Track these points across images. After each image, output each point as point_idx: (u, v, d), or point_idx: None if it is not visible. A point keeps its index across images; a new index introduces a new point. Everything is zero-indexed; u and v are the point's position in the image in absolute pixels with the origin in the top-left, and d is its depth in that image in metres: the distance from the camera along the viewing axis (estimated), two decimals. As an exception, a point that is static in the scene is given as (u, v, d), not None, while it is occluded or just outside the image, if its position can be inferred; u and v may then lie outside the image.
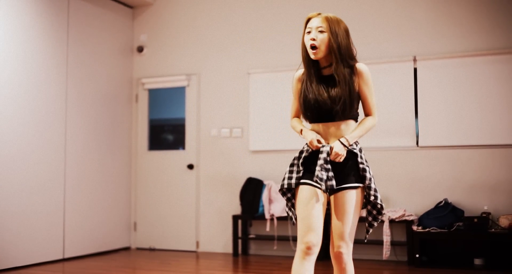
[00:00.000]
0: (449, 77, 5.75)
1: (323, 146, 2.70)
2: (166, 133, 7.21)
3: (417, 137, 5.82)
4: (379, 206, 2.72)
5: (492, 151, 5.57)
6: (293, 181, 2.73)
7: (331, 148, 2.67)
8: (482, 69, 5.63)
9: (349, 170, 2.70)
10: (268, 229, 6.14)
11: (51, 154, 5.89)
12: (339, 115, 2.70)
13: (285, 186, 2.75)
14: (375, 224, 2.78)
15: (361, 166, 2.71)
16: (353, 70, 2.74)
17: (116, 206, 6.81)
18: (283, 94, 6.14)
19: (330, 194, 2.72)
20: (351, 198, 2.66)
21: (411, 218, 5.52)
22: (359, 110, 2.83)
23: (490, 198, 5.52)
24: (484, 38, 5.67)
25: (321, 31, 2.71)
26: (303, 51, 2.81)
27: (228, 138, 6.64)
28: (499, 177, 5.52)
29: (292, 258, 5.82)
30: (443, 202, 5.52)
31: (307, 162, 2.75)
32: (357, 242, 5.92)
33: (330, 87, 2.71)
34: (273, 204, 6.11)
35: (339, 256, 2.68)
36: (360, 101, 2.83)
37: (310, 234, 2.63)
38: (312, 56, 2.74)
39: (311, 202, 2.65)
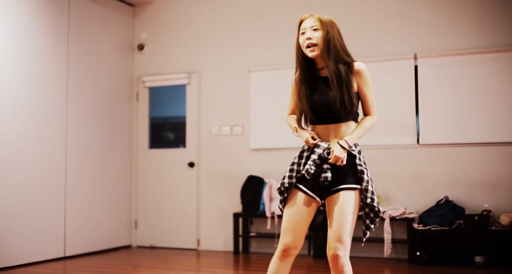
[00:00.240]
0: (450, 75, 5.74)
1: (320, 143, 2.69)
2: (167, 131, 7.21)
3: (418, 134, 5.82)
4: (376, 209, 2.69)
5: (493, 148, 5.56)
6: (294, 180, 2.75)
7: (331, 151, 2.66)
8: (483, 67, 5.63)
9: (347, 171, 2.69)
10: (269, 227, 6.14)
11: (52, 152, 5.89)
12: (340, 116, 2.70)
13: (286, 185, 2.75)
14: (373, 226, 2.74)
15: (359, 167, 2.69)
16: (350, 69, 2.72)
17: (117, 204, 6.82)
18: (283, 92, 6.14)
19: (327, 195, 2.70)
20: (349, 198, 2.64)
21: (411, 215, 5.52)
22: (359, 111, 2.82)
23: (491, 196, 5.52)
24: (485, 36, 5.67)
25: (315, 30, 2.72)
26: (297, 54, 2.80)
27: (229, 136, 6.64)
28: (500, 175, 5.52)
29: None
30: (444, 199, 5.52)
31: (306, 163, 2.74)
32: (358, 240, 5.92)
33: (328, 88, 2.70)
34: (274, 202, 6.11)
35: (336, 258, 2.62)
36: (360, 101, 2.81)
37: (289, 237, 2.70)
38: (310, 54, 2.73)
39: (299, 207, 2.70)
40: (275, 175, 6.29)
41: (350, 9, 6.21)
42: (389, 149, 5.93)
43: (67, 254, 6.05)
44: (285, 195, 2.78)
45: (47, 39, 5.91)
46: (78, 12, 6.33)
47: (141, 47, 7.18)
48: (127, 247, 6.97)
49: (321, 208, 2.77)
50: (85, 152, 6.34)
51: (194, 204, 6.76)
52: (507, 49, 5.55)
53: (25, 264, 5.52)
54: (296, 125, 2.85)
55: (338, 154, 2.64)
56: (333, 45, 2.70)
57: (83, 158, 6.31)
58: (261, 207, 6.16)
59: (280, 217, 6.05)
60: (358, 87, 2.75)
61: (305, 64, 2.79)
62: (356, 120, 2.79)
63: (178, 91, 7.03)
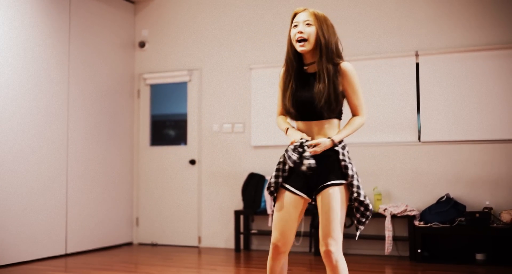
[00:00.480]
0: (451, 72, 5.74)
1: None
2: (168, 128, 7.21)
3: (419, 132, 5.81)
4: (365, 202, 2.69)
5: (494, 146, 5.56)
6: (280, 180, 2.77)
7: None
8: (484, 64, 5.62)
9: (331, 167, 2.69)
10: (270, 224, 6.14)
11: (54, 150, 5.89)
12: (322, 113, 2.70)
13: (273, 185, 2.78)
14: (364, 220, 2.74)
15: (342, 163, 2.69)
16: (337, 69, 2.71)
17: (118, 201, 6.82)
18: (285, 90, 6.13)
19: (316, 193, 2.71)
20: (335, 194, 2.64)
21: (413, 213, 5.52)
22: (343, 109, 2.81)
23: (492, 193, 5.52)
24: (487, 33, 5.66)
25: (308, 24, 2.71)
26: (289, 47, 2.78)
27: (230, 133, 6.64)
28: (501, 172, 5.52)
29: (294, 253, 5.84)
30: (445, 197, 5.52)
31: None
32: (359, 237, 5.92)
33: (314, 85, 2.70)
34: (275, 199, 6.10)
35: (328, 254, 2.62)
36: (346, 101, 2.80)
37: (278, 236, 2.74)
38: (299, 49, 2.72)
39: (286, 207, 2.73)
40: (276, 172, 6.28)
41: (351, 7, 6.20)
42: (390, 146, 5.93)
43: (69, 251, 6.06)
44: (275, 194, 2.80)
45: (48, 37, 5.90)
46: (79, 9, 6.33)
47: (142, 44, 7.18)
48: (129, 244, 6.98)
49: (313, 203, 2.78)
50: (87, 149, 6.34)
51: (195, 201, 6.76)
52: (509, 47, 5.54)
53: (27, 261, 5.53)
54: (288, 126, 2.85)
55: (322, 141, 2.65)
56: (324, 42, 2.70)
57: (85, 155, 6.31)
58: (262, 204, 6.17)
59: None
60: (344, 87, 2.73)
61: (293, 59, 2.78)
62: (339, 119, 2.79)
63: (179, 88, 7.03)
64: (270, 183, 2.79)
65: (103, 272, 5.13)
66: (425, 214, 5.49)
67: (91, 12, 6.51)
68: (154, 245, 6.90)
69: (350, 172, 2.67)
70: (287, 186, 2.75)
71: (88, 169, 6.35)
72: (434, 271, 5.02)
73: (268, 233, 6.21)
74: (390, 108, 5.91)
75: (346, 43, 6.32)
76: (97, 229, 6.45)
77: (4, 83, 5.38)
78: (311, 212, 5.25)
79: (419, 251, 5.38)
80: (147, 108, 7.15)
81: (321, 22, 2.72)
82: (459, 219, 5.36)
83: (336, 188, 2.65)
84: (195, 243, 6.74)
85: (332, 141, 2.68)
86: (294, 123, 2.87)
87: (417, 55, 5.86)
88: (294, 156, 2.66)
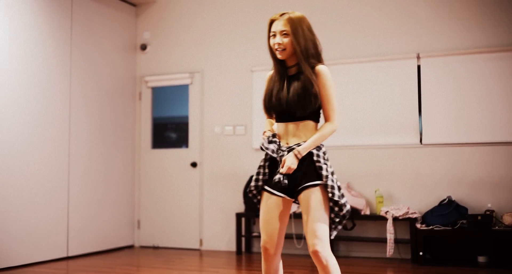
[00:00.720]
0: (453, 74, 5.73)
1: (271, 139, 2.79)
2: (169, 131, 7.21)
3: (421, 134, 5.80)
4: (340, 203, 2.70)
5: (496, 148, 5.55)
6: (260, 183, 2.82)
7: (283, 160, 2.69)
8: (486, 67, 5.61)
9: (306, 169, 2.72)
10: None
11: (55, 152, 5.90)
12: (296, 115, 2.75)
13: (253, 188, 2.85)
14: (338, 220, 2.75)
15: (317, 164, 2.72)
16: (313, 71, 2.76)
17: (120, 204, 6.82)
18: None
19: (296, 196, 2.74)
20: (314, 195, 2.67)
21: (414, 215, 5.51)
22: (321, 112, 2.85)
23: (494, 196, 5.51)
24: (488, 35, 5.65)
25: (285, 35, 2.77)
26: (270, 52, 2.87)
27: (232, 135, 6.64)
28: (503, 174, 5.50)
29: (295, 255, 5.84)
30: (447, 199, 5.50)
31: (272, 163, 2.82)
32: (361, 240, 5.93)
33: (292, 86, 2.75)
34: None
35: (316, 254, 2.63)
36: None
37: (265, 239, 2.79)
38: (279, 56, 2.81)
39: (269, 209, 2.78)
40: (277, 174, 6.27)
41: (351, 8, 6.20)
42: (392, 148, 5.92)
43: (70, 254, 6.05)
44: (259, 197, 2.86)
45: (50, 39, 5.91)
46: (81, 12, 6.34)
47: (143, 47, 7.18)
48: (130, 247, 6.97)
49: (296, 202, 2.81)
50: (88, 152, 6.34)
51: (196, 204, 6.76)
52: (510, 49, 5.53)
53: (28, 264, 5.53)
54: (266, 129, 2.91)
55: (290, 164, 2.67)
56: (300, 49, 2.75)
57: (86, 157, 6.31)
58: (264, 207, 6.15)
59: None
60: (319, 89, 2.76)
61: (276, 63, 2.87)
62: (316, 121, 2.83)
63: (181, 91, 7.03)
64: (250, 187, 2.85)
65: (105, 275, 5.14)
66: (427, 217, 5.48)
67: (92, 14, 6.52)
68: (155, 247, 6.90)
69: (324, 173, 2.69)
70: (268, 188, 2.80)
71: (89, 171, 6.35)
72: (436, 273, 5.01)
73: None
74: (391, 111, 5.90)
75: (347, 45, 6.37)
76: (99, 232, 6.45)
77: (6, 85, 5.38)
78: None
79: (421, 253, 5.36)
80: (149, 111, 7.16)
81: (297, 28, 2.77)
82: (461, 221, 5.35)
83: (314, 189, 2.68)
84: (197, 246, 6.73)
85: (297, 155, 2.68)
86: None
87: (418, 57, 5.86)
88: (272, 146, 2.75)
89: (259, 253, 6.30)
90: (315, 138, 2.73)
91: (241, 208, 6.45)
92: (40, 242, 5.67)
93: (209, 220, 6.69)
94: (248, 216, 6.28)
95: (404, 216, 5.51)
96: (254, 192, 2.85)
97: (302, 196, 2.69)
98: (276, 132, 2.84)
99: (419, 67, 5.85)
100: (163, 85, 7.11)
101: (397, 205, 5.76)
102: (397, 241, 5.59)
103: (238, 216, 6.27)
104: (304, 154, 2.70)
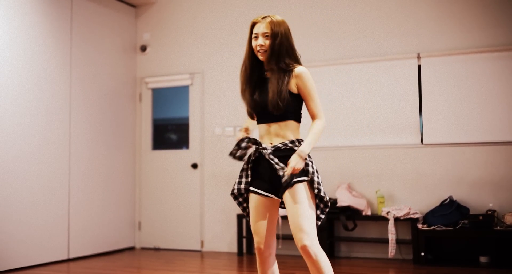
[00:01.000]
0: (453, 74, 5.72)
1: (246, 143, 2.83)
2: (170, 132, 7.20)
3: (422, 134, 5.79)
4: (325, 199, 2.75)
5: (497, 148, 5.54)
6: (242, 186, 2.86)
7: (288, 163, 2.69)
8: (486, 66, 5.60)
9: None
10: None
11: (55, 154, 5.89)
12: (278, 115, 2.79)
13: (235, 191, 2.89)
14: (323, 217, 2.79)
15: None
16: (290, 73, 2.80)
17: (121, 205, 6.82)
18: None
19: (281, 193, 2.76)
20: (299, 190, 2.69)
21: (416, 216, 5.50)
22: (302, 112, 2.89)
23: (495, 195, 5.50)
24: (489, 34, 5.64)
25: (266, 37, 2.84)
26: (248, 54, 2.92)
27: (232, 136, 6.63)
28: (504, 174, 5.49)
29: (296, 256, 5.82)
30: (448, 199, 5.49)
31: (255, 166, 2.85)
32: (362, 240, 5.92)
33: (271, 87, 2.79)
34: (278, 203, 6.09)
35: (304, 249, 2.64)
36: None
37: (258, 240, 2.84)
38: (261, 58, 2.86)
39: (257, 209, 2.83)
40: (278, 175, 6.26)
41: (351, 8, 6.19)
42: (392, 148, 5.91)
43: (71, 256, 6.05)
44: (240, 199, 2.93)
45: (49, 40, 5.90)
46: (81, 13, 6.33)
47: (143, 48, 7.18)
48: (131, 248, 6.96)
49: (282, 206, 2.85)
50: (89, 153, 6.34)
51: (197, 205, 6.75)
52: (510, 48, 5.52)
53: (29, 266, 5.52)
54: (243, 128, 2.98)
55: (294, 164, 2.67)
56: (278, 51, 2.81)
57: (87, 159, 6.30)
58: (265, 207, 6.14)
59: (283, 218, 6.04)
60: (300, 90, 2.81)
61: (255, 65, 2.91)
62: (297, 121, 2.86)
63: (181, 92, 7.02)
64: (233, 189, 2.89)
65: (106, 276, 5.13)
66: (428, 217, 5.47)
67: (92, 15, 6.51)
68: (156, 249, 6.89)
69: (310, 169, 2.73)
70: (253, 189, 2.83)
71: (90, 173, 6.34)
72: (437, 274, 5.01)
73: (270, 237, 6.18)
74: (392, 111, 5.89)
75: (347, 45, 6.36)
76: (100, 234, 6.44)
77: (6, 86, 5.38)
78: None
79: (422, 254, 5.35)
80: (149, 112, 7.15)
81: (276, 30, 2.83)
82: (462, 221, 5.34)
83: (300, 184, 2.71)
84: (198, 247, 6.72)
85: (300, 155, 2.69)
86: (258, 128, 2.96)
87: (419, 57, 5.85)
88: (238, 152, 2.82)
89: (260, 254, 6.29)
90: (312, 136, 2.76)
91: (242, 209, 6.44)
92: (41, 244, 5.66)
93: (210, 221, 6.68)
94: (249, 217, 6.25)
95: (406, 216, 5.50)
96: (236, 193, 2.90)
97: (288, 192, 2.71)
98: (249, 132, 2.92)
99: (419, 67, 5.84)
100: (163, 86, 7.10)
101: (398, 205, 5.75)
102: (398, 242, 5.58)
103: (239, 217, 6.26)
104: (307, 152, 2.72)
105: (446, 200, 5.52)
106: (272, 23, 2.84)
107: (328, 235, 5.78)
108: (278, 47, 2.80)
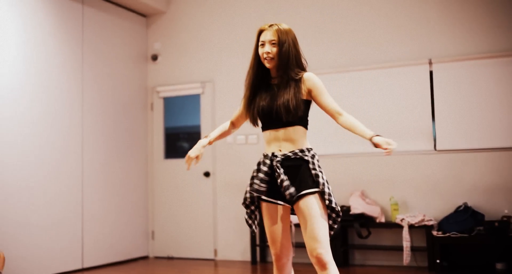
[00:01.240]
0: (465, 79, 5.69)
1: (265, 160, 2.84)
2: (182, 141, 7.21)
3: (435, 140, 5.76)
4: (336, 209, 2.75)
5: (511, 153, 5.49)
6: (255, 194, 2.85)
7: (378, 144, 2.71)
8: (499, 71, 5.56)
9: (302, 177, 2.76)
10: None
11: (68, 163, 5.91)
12: (286, 120, 2.80)
13: (248, 200, 2.90)
14: (335, 226, 2.80)
15: (313, 172, 2.77)
16: (300, 79, 2.84)
17: (134, 215, 6.82)
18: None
19: (293, 204, 2.77)
20: (312, 201, 2.70)
21: (430, 222, 5.45)
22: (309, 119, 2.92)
23: (510, 202, 5.44)
24: (501, 39, 5.60)
25: (273, 44, 2.85)
26: (254, 61, 2.94)
27: (244, 144, 6.62)
28: (520, 180, 5.44)
29: (308, 264, 5.78)
30: (463, 206, 5.45)
31: (267, 175, 2.84)
32: (376, 248, 5.88)
33: (278, 94, 2.83)
34: (291, 211, 6.07)
35: (319, 258, 2.64)
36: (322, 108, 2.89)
37: (274, 246, 2.86)
38: (267, 65, 2.88)
39: (270, 217, 2.86)
40: (291, 183, 6.25)
41: (362, 16, 6.18)
42: (406, 155, 5.88)
43: (85, 266, 6.05)
44: (252, 207, 2.92)
45: (61, 50, 5.94)
46: (92, 23, 6.37)
47: (154, 57, 7.20)
48: (145, 258, 6.97)
49: (292, 212, 2.86)
50: (101, 163, 6.35)
51: (210, 213, 6.74)
52: (524, 53, 5.49)
53: (43, 276, 5.55)
54: (206, 136, 3.09)
55: (385, 144, 2.70)
56: (286, 58, 2.83)
57: (99, 168, 6.32)
58: (278, 215, 6.12)
59: (297, 226, 6.02)
60: (312, 92, 2.85)
61: (261, 73, 2.94)
62: (305, 126, 2.88)
63: (192, 101, 7.04)
64: (245, 198, 2.90)
65: (120, 286, 5.13)
66: (443, 224, 5.42)
67: (103, 26, 6.55)
68: (170, 258, 6.89)
69: (321, 180, 2.74)
70: (266, 198, 2.84)
71: (103, 182, 6.36)
72: (453, 281, 4.96)
73: (284, 245, 6.16)
74: (404, 117, 5.87)
75: (359, 52, 6.34)
76: (113, 243, 6.45)
77: (18, 97, 5.41)
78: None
79: (438, 261, 5.31)
80: (161, 121, 7.16)
81: (284, 39, 2.85)
82: (477, 228, 5.29)
83: (311, 196, 2.72)
84: (211, 256, 6.71)
85: (373, 136, 2.73)
86: (265, 133, 2.95)
87: (430, 63, 5.82)
88: (262, 187, 2.81)
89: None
90: (361, 124, 2.78)
91: (255, 217, 6.42)
92: (55, 254, 5.67)
93: (223, 230, 6.67)
94: (262, 225, 6.24)
95: (420, 223, 5.46)
96: (247, 202, 2.90)
97: (300, 204, 2.72)
98: (212, 137, 3.06)
99: (431, 73, 5.82)
100: (174, 95, 7.12)
101: (412, 212, 5.71)
102: (413, 249, 5.54)
103: (247, 223, 6.23)
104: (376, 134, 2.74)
105: (460, 206, 5.47)
106: (279, 31, 2.86)
107: (342, 243, 5.75)
108: (286, 56, 2.82)
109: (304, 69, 2.90)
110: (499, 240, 5.15)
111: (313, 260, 2.67)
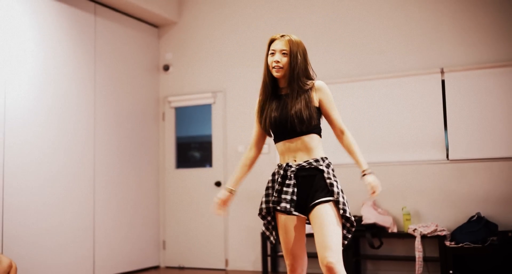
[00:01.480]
0: (477, 88, 5.65)
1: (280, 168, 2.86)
2: (193, 151, 7.22)
3: (447, 150, 5.72)
4: (351, 219, 2.75)
5: (525, 163, 5.44)
6: (270, 204, 2.85)
7: (369, 185, 2.80)
8: (511, 80, 5.53)
9: (317, 186, 2.76)
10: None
11: (81, 173, 5.93)
12: (301, 130, 2.80)
13: (264, 211, 2.90)
14: (350, 236, 2.81)
15: (328, 181, 2.76)
16: (311, 88, 2.85)
17: (145, 224, 6.83)
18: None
19: (307, 213, 2.77)
20: (326, 210, 2.69)
21: (443, 233, 5.40)
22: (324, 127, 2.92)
23: (525, 211, 5.39)
24: (513, 48, 5.58)
25: (284, 54, 2.85)
26: (265, 70, 2.93)
27: (255, 154, 6.60)
28: (534, 190, 5.39)
29: (322, 275, 5.73)
30: (476, 216, 5.40)
31: (280, 184, 2.85)
32: (388, 258, 5.83)
33: (289, 104, 2.82)
34: (302, 221, 6.04)
35: (330, 267, 2.61)
36: (327, 119, 2.93)
37: (289, 257, 2.85)
38: (275, 74, 2.87)
39: (285, 228, 2.83)
40: (302, 193, 6.23)
41: (374, 25, 6.18)
42: (418, 165, 5.84)
43: (96, 276, 6.06)
44: (269, 218, 2.92)
45: (74, 61, 5.99)
46: (105, 34, 6.42)
47: (166, 67, 7.24)
48: (156, 267, 6.96)
49: (307, 221, 2.85)
50: (113, 172, 6.37)
51: (221, 223, 6.73)
52: (536, 62, 5.45)
53: (54, 286, 5.55)
54: (231, 180, 3.10)
55: (374, 183, 2.81)
56: (296, 69, 2.84)
57: (111, 178, 6.34)
58: (289, 225, 6.09)
59: (308, 236, 5.97)
60: (322, 102, 2.86)
61: (270, 83, 2.93)
62: (319, 134, 2.88)
63: (204, 110, 7.05)
64: (261, 209, 2.91)
65: (131, 296, 5.11)
66: (456, 234, 5.37)
67: (116, 36, 6.59)
68: (181, 268, 6.87)
69: (335, 189, 2.74)
70: (279, 208, 2.81)
71: (114, 192, 6.38)
72: (467, 292, 4.90)
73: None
74: (417, 127, 5.83)
75: (371, 62, 6.33)
76: (125, 253, 6.45)
77: (32, 108, 5.45)
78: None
79: (451, 272, 5.25)
80: (172, 131, 7.18)
81: (295, 49, 2.86)
82: (491, 238, 5.23)
83: (326, 205, 2.71)
84: (222, 266, 6.69)
85: (365, 172, 2.84)
86: (276, 145, 2.96)
87: (442, 72, 5.80)
88: (288, 197, 2.79)
89: (285, 273, 6.23)
90: (360, 153, 2.88)
91: (266, 227, 6.40)
92: (67, 264, 5.68)
93: (234, 240, 6.65)
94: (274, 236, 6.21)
95: (433, 234, 5.41)
96: (264, 213, 2.90)
97: (314, 212, 2.71)
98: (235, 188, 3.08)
99: (443, 82, 5.79)
100: (186, 105, 7.14)
101: (425, 222, 5.66)
102: (426, 259, 5.49)
103: (264, 235, 6.21)
104: (370, 168, 2.86)
105: (474, 216, 5.42)
106: (291, 42, 2.86)
107: (354, 253, 5.71)
108: (296, 66, 2.83)
109: (311, 78, 2.90)
110: (513, 250, 5.10)
111: (323, 269, 2.64)
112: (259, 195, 6.53)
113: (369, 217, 5.69)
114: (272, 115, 2.86)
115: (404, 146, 5.89)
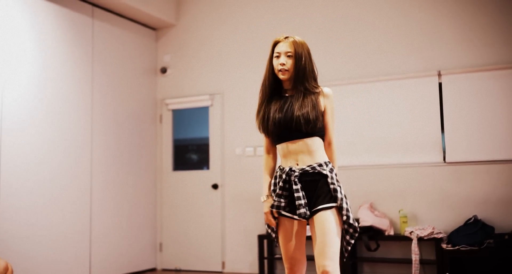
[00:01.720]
0: (475, 91, 5.66)
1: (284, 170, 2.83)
2: (190, 153, 7.22)
3: (444, 152, 5.72)
4: (354, 224, 2.75)
5: (522, 165, 5.45)
6: (274, 210, 2.85)
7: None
8: (509, 82, 5.53)
9: (320, 192, 2.75)
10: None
11: (78, 174, 5.93)
12: (306, 130, 2.79)
13: (275, 211, 2.86)
14: (353, 242, 2.79)
15: (331, 186, 2.75)
16: (319, 92, 2.86)
17: (142, 226, 6.82)
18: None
19: (309, 218, 2.77)
20: (328, 217, 2.69)
21: (440, 235, 5.40)
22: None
23: (522, 214, 5.40)
24: (511, 50, 5.58)
25: (289, 56, 2.86)
26: (268, 72, 2.94)
27: (253, 156, 6.62)
28: (530, 192, 5.39)
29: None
30: (473, 219, 5.40)
31: (284, 189, 2.84)
32: (385, 261, 5.83)
33: (294, 105, 2.81)
34: (299, 223, 6.04)
35: None
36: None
37: (289, 261, 2.86)
38: (281, 77, 2.88)
39: (286, 232, 2.84)
40: (299, 195, 6.22)
41: (372, 27, 6.19)
42: (415, 167, 5.84)
43: (93, 278, 6.05)
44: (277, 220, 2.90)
45: (72, 63, 5.99)
46: (102, 36, 6.42)
47: (164, 70, 7.24)
48: (152, 270, 6.95)
49: (308, 225, 2.86)
50: (110, 175, 6.37)
51: (218, 226, 6.72)
52: (533, 64, 5.46)
53: (51, 288, 5.54)
54: (267, 190, 2.94)
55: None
56: (302, 70, 2.84)
57: (108, 180, 6.34)
58: (286, 228, 6.09)
59: (306, 238, 5.98)
60: (325, 109, 2.87)
61: (274, 85, 2.94)
62: (322, 137, 2.87)
63: (201, 113, 7.05)
64: (272, 205, 2.86)
65: (127, 298, 5.11)
66: (453, 237, 5.37)
67: (113, 39, 6.60)
68: (178, 270, 6.87)
69: (339, 195, 2.74)
70: (285, 213, 2.82)
71: (111, 194, 6.37)
72: (463, 295, 4.90)
73: (292, 257, 6.12)
74: (413, 129, 5.84)
75: (368, 63, 6.34)
76: (121, 255, 6.45)
77: (29, 109, 5.45)
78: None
79: (447, 274, 5.26)
80: (170, 133, 7.18)
81: (299, 51, 2.86)
82: (487, 241, 5.23)
83: (328, 211, 2.71)
84: (219, 268, 6.68)
85: (338, 205, 2.76)
86: (278, 147, 2.95)
87: (439, 74, 5.80)
88: (282, 203, 2.82)
89: (282, 275, 6.23)
90: (335, 165, 2.89)
91: (263, 229, 6.40)
92: (63, 266, 5.67)
93: (231, 242, 6.65)
94: (271, 238, 6.21)
95: (429, 236, 5.41)
96: (276, 215, 2.87)
97: (316, 218, 2.71)
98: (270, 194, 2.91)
99: (440, 84, 5.80)
100: (183, 107, 7.14)
101: (421, 225, 5.67)
102: (422, 262, 5.49)
103: (261, 237, 6.22)
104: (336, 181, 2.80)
105: (470, 219, 5.42)
106: (295, 43, 2.86)
107: (350, 256, 5.70)
108: (302, 68, 2.82)
109: (316, 80, 2.91)
110: (509, 253, 5.09)
111: None
112: (256, 198, 6.58)
113: (366, 219, 5.69)
114: (276, 116, 2.83)
115: (401, 148, 5.89)
